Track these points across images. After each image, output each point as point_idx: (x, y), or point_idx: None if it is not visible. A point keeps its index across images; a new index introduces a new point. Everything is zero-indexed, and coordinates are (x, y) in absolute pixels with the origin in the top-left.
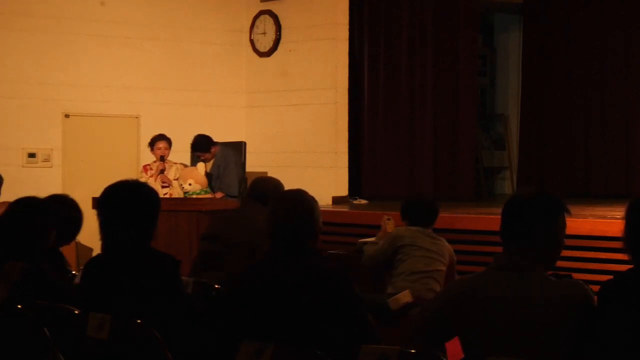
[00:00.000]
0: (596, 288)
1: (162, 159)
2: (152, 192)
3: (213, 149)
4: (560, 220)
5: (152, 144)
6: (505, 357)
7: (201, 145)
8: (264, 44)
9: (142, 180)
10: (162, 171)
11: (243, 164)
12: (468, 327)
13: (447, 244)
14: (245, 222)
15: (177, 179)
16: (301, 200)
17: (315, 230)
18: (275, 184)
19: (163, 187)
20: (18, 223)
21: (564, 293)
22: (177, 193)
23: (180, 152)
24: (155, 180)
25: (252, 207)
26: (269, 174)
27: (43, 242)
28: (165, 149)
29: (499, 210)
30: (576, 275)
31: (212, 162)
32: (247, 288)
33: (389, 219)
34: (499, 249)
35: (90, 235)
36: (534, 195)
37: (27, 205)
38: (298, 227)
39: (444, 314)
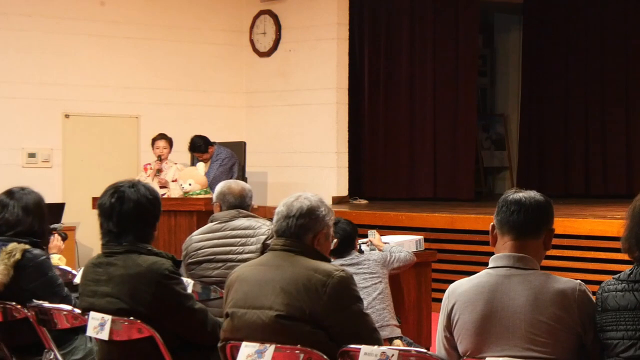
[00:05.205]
0: (596, 288)
1: (160, 158)
2: (153, 192)
3: (211, 149)
4: None
5: (153, 143)
6: (505, 357)
7: (199, 146)
8: (264, 44)
9: (142, 179)
10: (158, 171)
11: (243, 164)
12: (469, 327)
13: (372, 255)
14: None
15: (175, 180)
16: (309, 201)
17: (317, 231)
18: (242, 185)
19: (161, 187)
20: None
21: (564, 292)
22: (174, 195)
23: (180, 152)
24: (152, 180)
25: (244, 218)
26: (269, 174)
27: None
28: (164, 148)
29: None
30: (576, 276)
31: (210, 161)
32: (247, 285)
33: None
34: None
35: (90, 235)
36: (538, 196)
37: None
38: (301, 227)
39: (451, 317)
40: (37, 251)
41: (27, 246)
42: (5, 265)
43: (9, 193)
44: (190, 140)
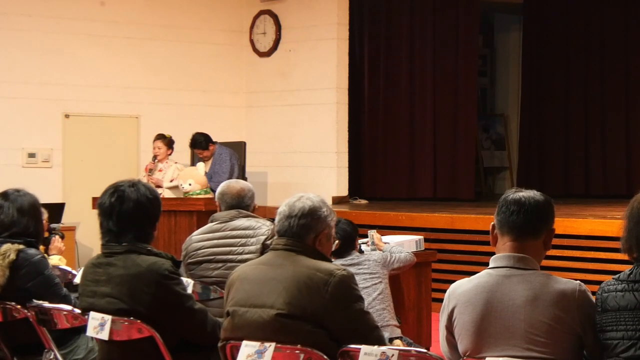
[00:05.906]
0: (596, 288)
1: (154, 158)
2: (153, 192)
3: (211, 147)
4: None
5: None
6: (505, 357)
7: (199, 142)
8: (264, 44)
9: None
10: (150, 170)
11: (243, 164)
12: (469, 327)
13: (372, 256)
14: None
15: (172, 181)
16: (311, 202)
17: (319, 232)
18: (242, 185)
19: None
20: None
21: (564, 293)
22: (167, 196)
23: (180, 152)
24: (147, 181)
25: (245, 218)
26: (269, 174)
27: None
28: (159, 148)
29: None
30: (576, 276)
31: (210, 161)
32: (248, 284)
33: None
34: None
35: (90, 235)
36: (538, 196)
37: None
38: (303, 227)
39: (451, 318)
40: (31, 251)
41: (21, 246)
42: (0, 266)
43: (4, 195)
44: (191, 137)
